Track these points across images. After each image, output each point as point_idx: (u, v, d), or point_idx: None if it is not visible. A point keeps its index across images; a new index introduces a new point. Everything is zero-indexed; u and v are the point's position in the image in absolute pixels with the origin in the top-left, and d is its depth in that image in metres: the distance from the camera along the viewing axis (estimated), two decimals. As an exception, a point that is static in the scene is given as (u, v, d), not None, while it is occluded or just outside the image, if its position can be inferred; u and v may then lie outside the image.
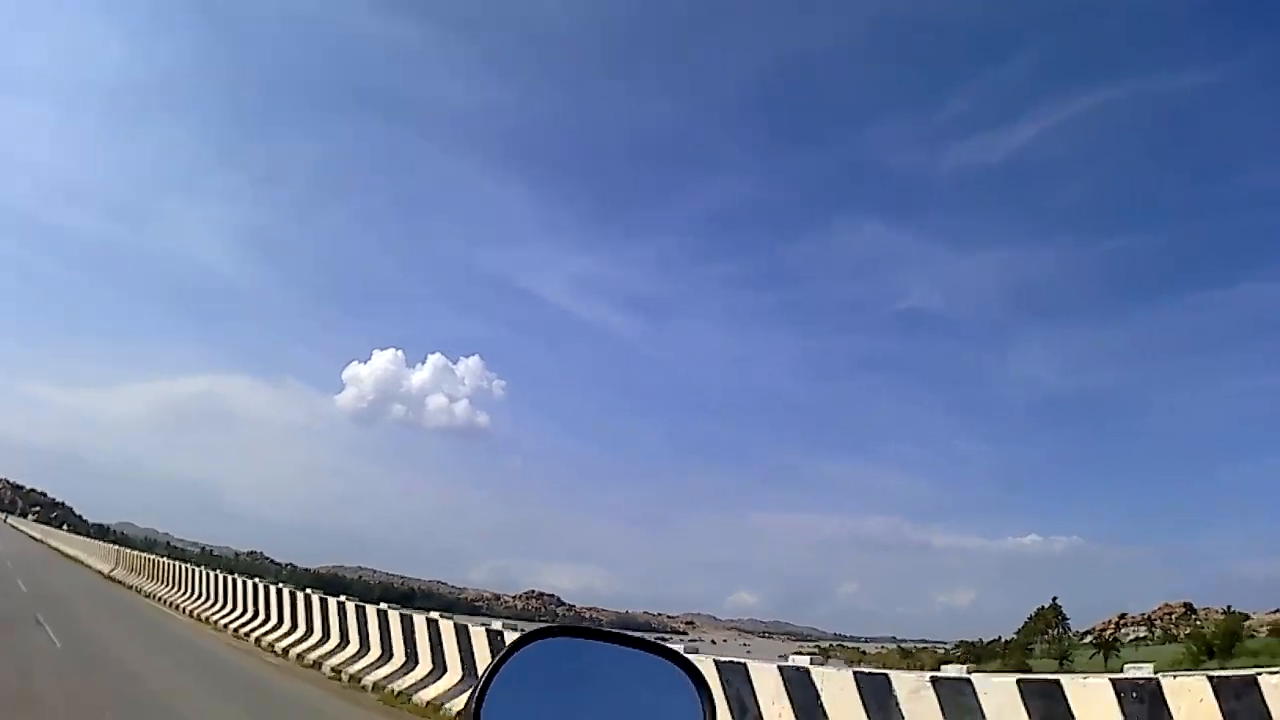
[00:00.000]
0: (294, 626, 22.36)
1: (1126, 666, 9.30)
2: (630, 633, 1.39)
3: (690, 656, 1.36)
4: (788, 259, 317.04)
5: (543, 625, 1.31)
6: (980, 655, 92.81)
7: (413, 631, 17.38)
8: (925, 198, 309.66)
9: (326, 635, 20.52)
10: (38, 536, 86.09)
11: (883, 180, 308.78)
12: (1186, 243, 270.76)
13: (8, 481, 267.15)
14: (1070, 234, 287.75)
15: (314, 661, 19.76)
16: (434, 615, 17.49)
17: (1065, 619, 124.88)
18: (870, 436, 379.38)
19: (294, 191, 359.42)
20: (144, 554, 45.24)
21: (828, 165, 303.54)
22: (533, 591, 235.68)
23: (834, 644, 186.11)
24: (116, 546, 54.48)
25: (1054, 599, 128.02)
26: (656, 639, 1.48)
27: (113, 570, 44.49)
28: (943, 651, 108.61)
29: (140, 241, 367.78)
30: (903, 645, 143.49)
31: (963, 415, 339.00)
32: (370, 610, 18.97)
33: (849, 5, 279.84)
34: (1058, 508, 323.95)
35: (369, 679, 17.33)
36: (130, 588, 38.37)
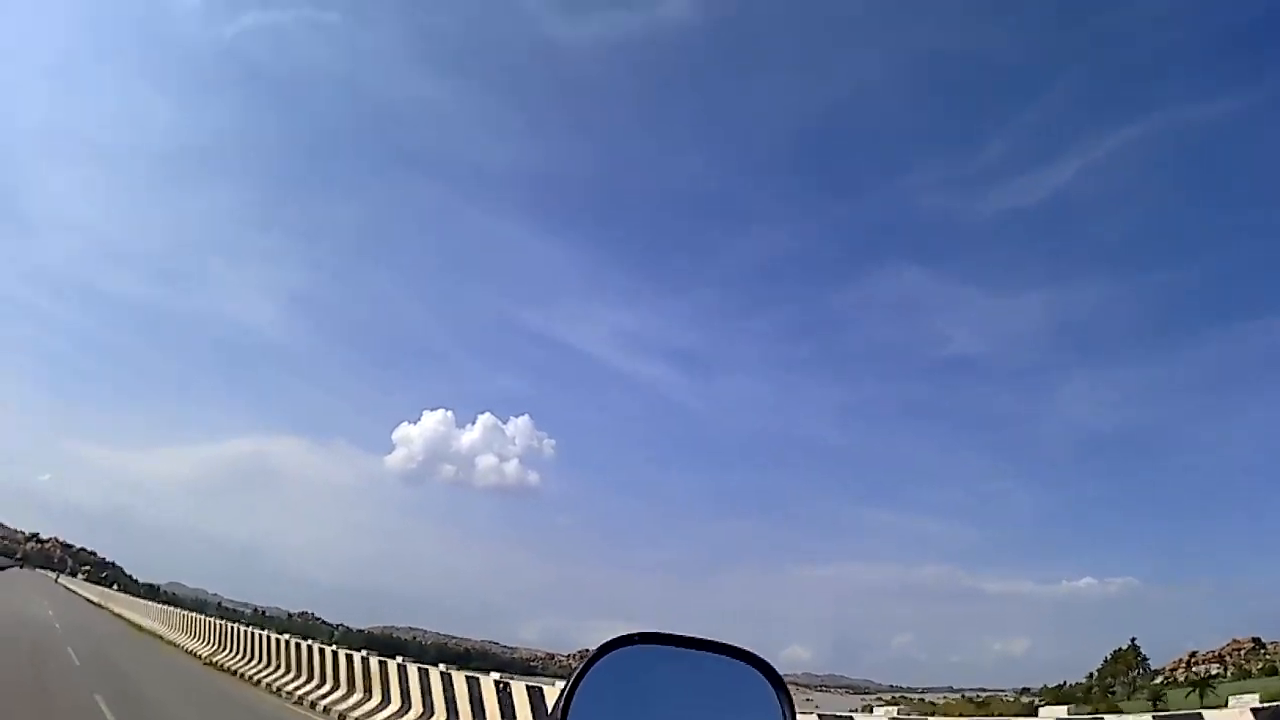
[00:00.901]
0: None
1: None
2: (708, 638, 1.31)
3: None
4: (828, 308, 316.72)
5: (625, 633, 1.27)
6: (1061, 700, 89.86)
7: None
8: (965, 242, 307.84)
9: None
10: (95, 599, 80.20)
11: (921, 226, 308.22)
12: (1228, 273, 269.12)
13: (58, 541, 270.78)
14: (1110, 271, 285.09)
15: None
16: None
17: (1145, 659, 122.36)
18: (916, 484, 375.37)
19: (338, 252, 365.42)
20: (236, 625, 36.63)
21: (865, 212, 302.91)
22: (586, 650, 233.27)
23: (896, 695, 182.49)
24: (203, 617, 42.80)
25: (1133, 640, 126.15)
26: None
27: (212, 654, 34.28)
28: (1009, 699, 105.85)
29: (187, 304, 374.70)
30: (966, 694, 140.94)
31: (1009, 459, 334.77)
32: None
33: (880, 52, 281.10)
34: (1110, 549, 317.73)
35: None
36: (232, 673, 29.88)
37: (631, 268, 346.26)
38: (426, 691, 18.15)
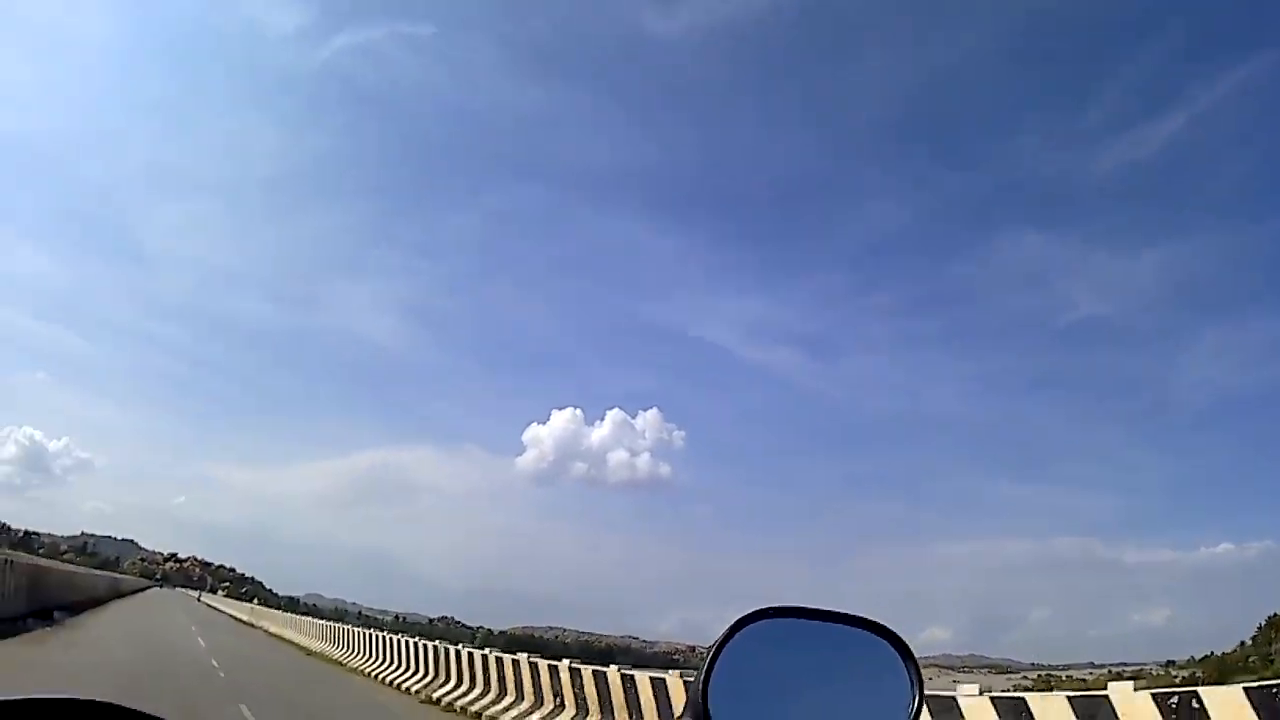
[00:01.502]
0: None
1: None
2: (838, 610, 1.38)
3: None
4: (949, 281, 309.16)
5: (760, 607, 1.33)
6: (1224, 671, 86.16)
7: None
8: (1081, 202, 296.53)
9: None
10: (245, 618, 71.08)
11: (1036, 189, 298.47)
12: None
13: (196, 559, 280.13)
14: (1232, 221, 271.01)
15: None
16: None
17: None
18: (1047, 455, 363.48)
19: (454, 263, 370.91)
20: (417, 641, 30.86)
21: (978, 180, 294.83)
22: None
23: (1041, 674, 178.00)
24: (381, 634, 35.31)
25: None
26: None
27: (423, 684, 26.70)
28: (1157, 674, 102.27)
29: (309, 323, 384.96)
30: (1111, 669, 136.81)
31: (1141, 426, 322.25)
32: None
33: (978, 16, 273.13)
34: (1248, 513, 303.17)
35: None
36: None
37: (748, 255, 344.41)
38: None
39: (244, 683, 23.37)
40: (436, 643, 28.22)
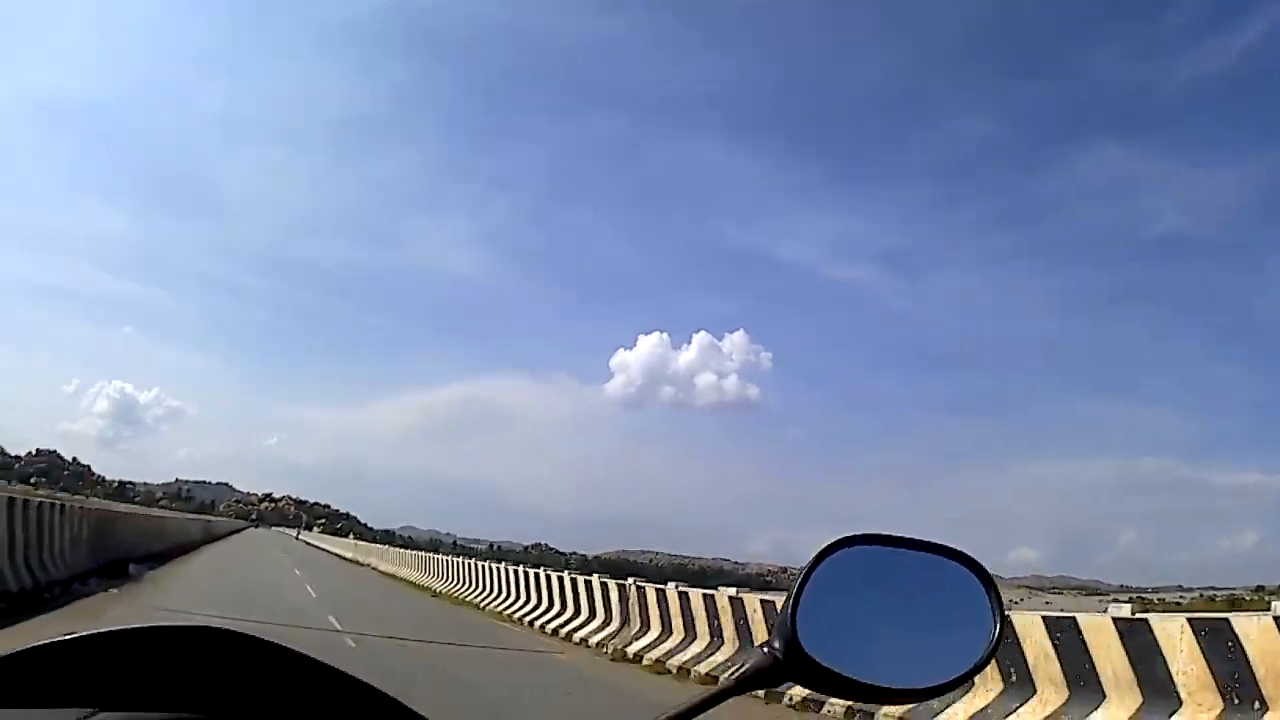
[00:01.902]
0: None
1: None
2: (922, 539, 1.39)
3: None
4: (1031, 197, 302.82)
5: (846, 535, 1.34)
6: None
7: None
8: (1160, 114, 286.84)
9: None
10: (350, 555, 65.35)
11: (1115, 102, 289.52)
12: None
13: (290, 498, 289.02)
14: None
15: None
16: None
17: None
18: (1132, 372, 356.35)
19: (533, 193, 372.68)
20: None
21: (1057, 94, 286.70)
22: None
23: (1131, 596, 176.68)
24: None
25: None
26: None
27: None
28: (1250, 599, 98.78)
29: (391, 260, 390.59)
30: (1203, 594, 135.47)
31: (1226, 342, 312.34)
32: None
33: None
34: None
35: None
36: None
37: (828, 174, 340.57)
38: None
39: (381, 654, 16.09)
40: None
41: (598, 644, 20.41)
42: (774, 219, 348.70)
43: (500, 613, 27.40)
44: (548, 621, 23.80)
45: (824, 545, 1.36)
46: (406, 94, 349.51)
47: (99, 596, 19.60)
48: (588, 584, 22.75)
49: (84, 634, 1.08)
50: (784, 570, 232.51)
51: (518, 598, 27.43)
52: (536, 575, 26.86)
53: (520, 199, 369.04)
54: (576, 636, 21.56)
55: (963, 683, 1.26)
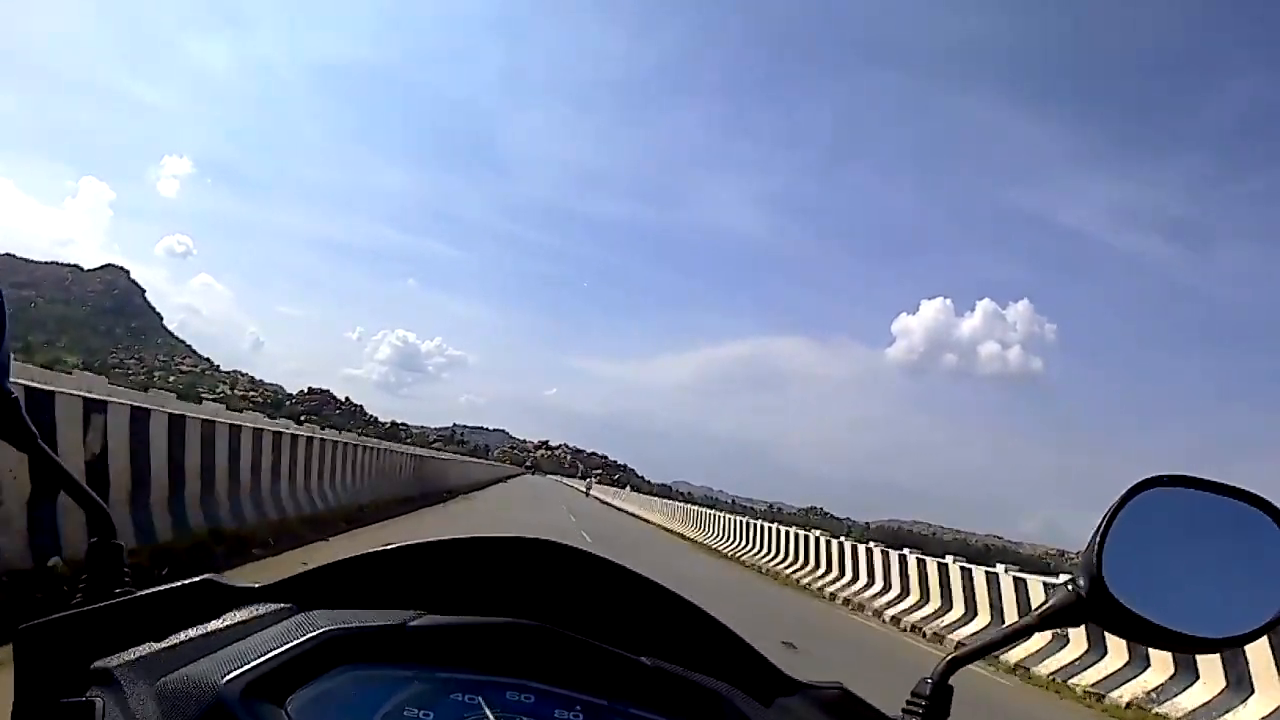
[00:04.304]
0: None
1: None
2: (1228, 483, 1.29)
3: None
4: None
5: (1153, 475, 1.28)
6: None
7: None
8: None
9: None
10: (678, 531, 43.54)
11: None
12: None
13: (567, 446, 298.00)
14: None
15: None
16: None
17: None
18: None
19: (815, 152, 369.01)
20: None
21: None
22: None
23: None
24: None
25: None
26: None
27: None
28: None
29: (672, 217, 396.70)
30: None
31: None
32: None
33: None
34: None
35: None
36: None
37: (1113, 136, 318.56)
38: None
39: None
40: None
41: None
42: (1056, 181, 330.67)
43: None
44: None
45: (1131, 485, 1.31)
46: (684, 54, 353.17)
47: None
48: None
49: (409, 544, 1.19)
50: (1062, 554, 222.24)
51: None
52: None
53: (801, 158, 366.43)
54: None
55: (1260, 635, 1.22)
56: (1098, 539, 1.23)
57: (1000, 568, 17.29)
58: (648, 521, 51.57)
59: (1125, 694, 12.46)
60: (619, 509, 65.75)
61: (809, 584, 25.19)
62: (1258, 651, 10.54)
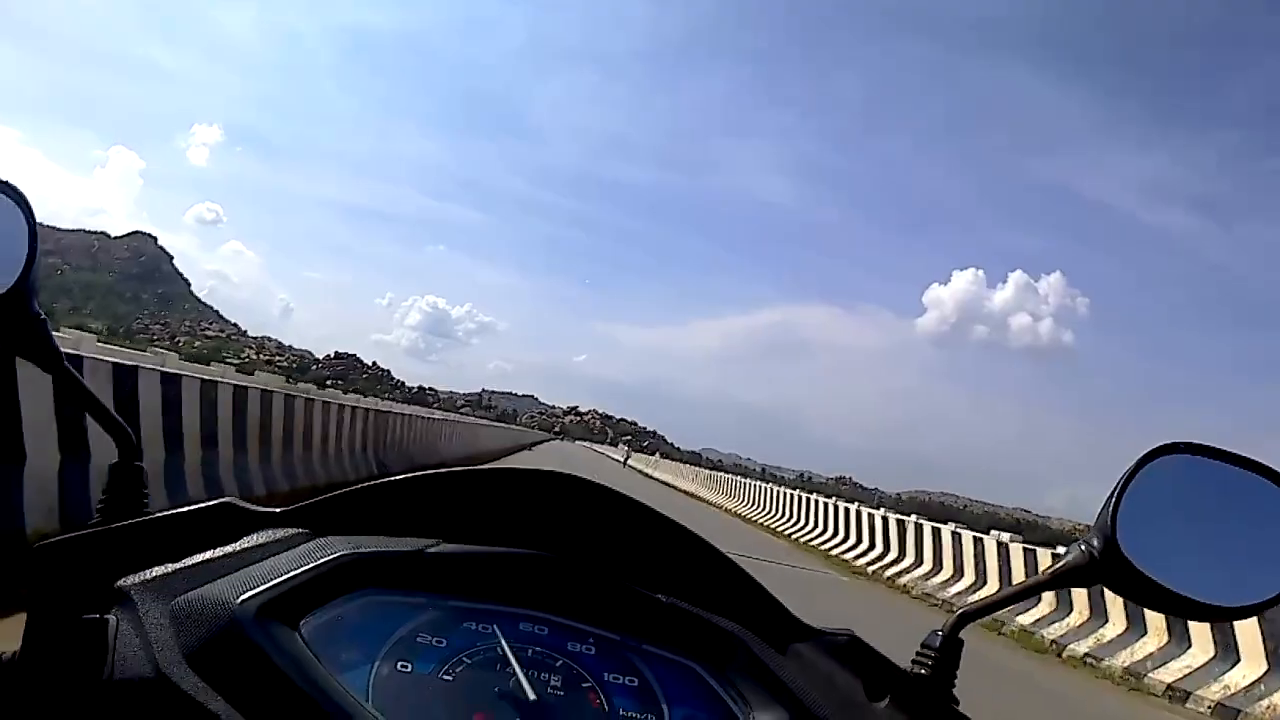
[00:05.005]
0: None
1: None
2: (1246, 455, 1.25)
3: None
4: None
5: (1170, 442, 1.24)
6: None
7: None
8: None
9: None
10: (743, 513, 37.21)
11: None
12: None
13: (597, 413, 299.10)
14: None
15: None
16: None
17: None
18: None
19: (845, 121, 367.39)
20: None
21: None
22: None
23: None
24: None
25: None
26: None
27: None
28: None
29: (701, 185, 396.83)
30: None
31: None
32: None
33: None
34: None
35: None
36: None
37: (1144, 111, 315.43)
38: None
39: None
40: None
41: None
42: (1087, 154, 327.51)
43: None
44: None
45: (1148, 450, 1.27)
46: (713, 21, 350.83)
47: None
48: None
49: (429, 473, 1.18)
50: (1087, 529, 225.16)
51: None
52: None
53: (831, 126, 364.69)
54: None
55: (1271, 607, 1.18)
56: (1113, 501, 1.19)
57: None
58: (701, 498, 45.99)
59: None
60: (660, 481, 58.13)
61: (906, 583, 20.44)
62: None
